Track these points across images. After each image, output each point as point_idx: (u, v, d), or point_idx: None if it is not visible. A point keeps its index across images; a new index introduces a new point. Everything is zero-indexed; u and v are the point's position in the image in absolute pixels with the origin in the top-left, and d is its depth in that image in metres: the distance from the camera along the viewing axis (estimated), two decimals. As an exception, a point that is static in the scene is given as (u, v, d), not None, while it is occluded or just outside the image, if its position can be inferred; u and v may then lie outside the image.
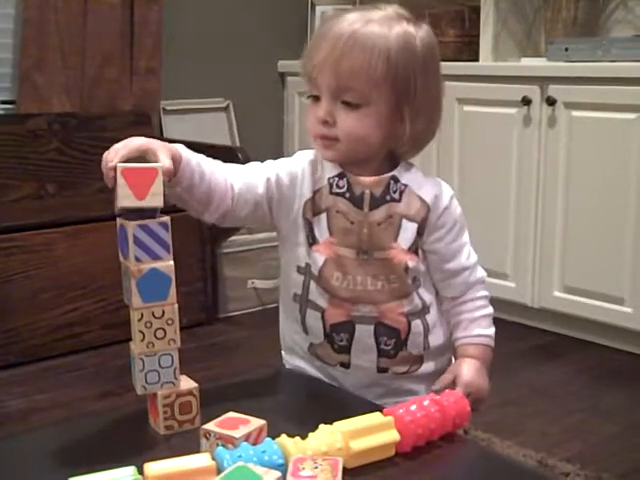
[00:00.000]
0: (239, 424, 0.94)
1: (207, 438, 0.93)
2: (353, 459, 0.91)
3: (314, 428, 0.94)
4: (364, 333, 1.20)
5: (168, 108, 3.44)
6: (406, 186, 1.21)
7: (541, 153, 2.74)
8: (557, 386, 2.36)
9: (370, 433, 0.93)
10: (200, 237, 2.98)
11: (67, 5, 3.07)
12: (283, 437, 0.90)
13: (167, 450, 0.94)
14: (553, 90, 2.67)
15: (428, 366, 1.25)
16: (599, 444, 1.98)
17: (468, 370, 1.20)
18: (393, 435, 0.94)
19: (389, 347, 1.21)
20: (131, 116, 3.29)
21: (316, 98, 1.18)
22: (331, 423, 0.94)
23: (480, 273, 1.27)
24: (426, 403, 1.00)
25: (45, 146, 3.06)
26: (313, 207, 1.20)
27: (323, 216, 1.20)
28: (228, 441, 0.91)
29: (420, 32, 1.19)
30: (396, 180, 1.21)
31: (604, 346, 2.66)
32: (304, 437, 0.92)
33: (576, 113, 2.62)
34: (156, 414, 1.02)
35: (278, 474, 0.83)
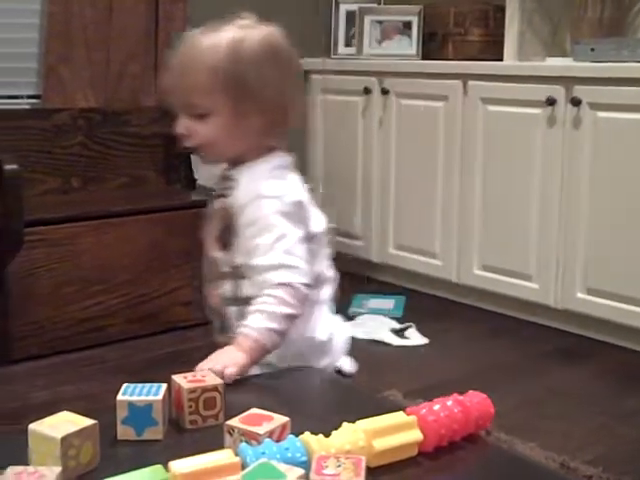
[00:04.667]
0: (263, 421, 0.94)
1: (231, 434, 0.94)
2: (376, 458, 0.91)
3: (337, 426, 0.94)
4: (209, 310, 1.42)
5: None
6: (236, 183, 1.34)
7: (565, 154, 2.72)
8: (580, 388, 2.35)
9: (393, 432, 0.93)
10: (223, 233, 2.99)
11: (92, 0, 3.09)
12: (306, 434, 0.91)
13: (191, 445, 0.94)
14: (578, 90, 2.65)
15: None
16: (622, 447, 1.97)
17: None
18: (416, 434, 0.94)
19: (218, 325, 1.39)
20: (155, 112, 3.30)
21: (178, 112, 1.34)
22: (354, 422, 0.95)
23: (278, 278, 1.26)
24: (449, 403, 1.00)
25: (70, 141, 3.08)
26: None
27: None
28: (252, 437, 0.91)
29: (252, 33, 1.32)
30: (230, 178, 1.35)
31: (627, 349, 2.64)
32: (327, 435, 0.92)
33: (601, 114, 2.60)
34: (181, 409, 1.03)
35: (301, 471, 0.83)
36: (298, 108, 1.39)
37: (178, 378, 1.05)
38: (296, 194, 1.34)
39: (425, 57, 3.41)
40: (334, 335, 1.43)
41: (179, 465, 0.84)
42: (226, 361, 1.18)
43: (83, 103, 3.15)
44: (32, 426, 0.91)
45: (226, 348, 1.23)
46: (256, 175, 1.33)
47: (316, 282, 1.33)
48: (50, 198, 2.95)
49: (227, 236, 1.34)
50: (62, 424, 0.91)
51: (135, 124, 3.24)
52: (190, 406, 1.02)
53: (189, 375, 1.07)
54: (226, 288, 1.35)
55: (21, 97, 3.16)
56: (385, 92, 3.30)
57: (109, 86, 3.21)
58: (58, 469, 0.82)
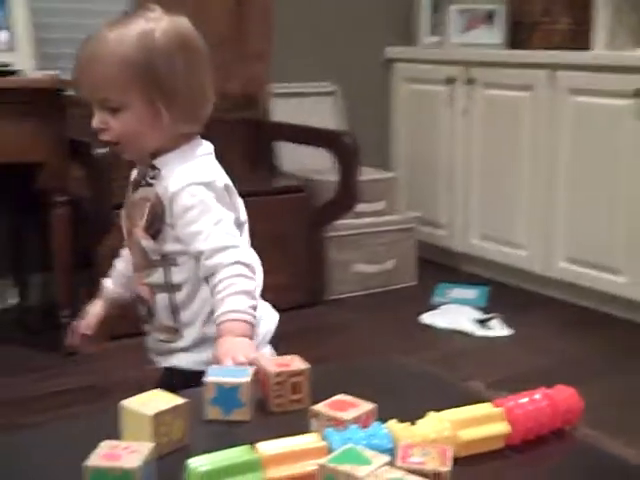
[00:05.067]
0: (349, 407, 0.94)
1: (316, 419, 0.94)
2: (462, 448, 0.91)
3: (421, 415, 0.94)
4: (135, 300, 1.43)
5: (276, 91, 3.47)
6: (159, 172, 1.33)
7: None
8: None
9: (480, 424, 0.93)
10: (307, 220, 3.01)
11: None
12: (392, 422, 0.91)
13: (277, 428, 0.95)
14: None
15: (188, 338, 1.35)
16: None
17: (215, 347, 1.20)
18: (503, 427, 0.93)
19: (144, 313, 1.40)
20: (239, 99, 3.33)
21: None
22: (438, 411, 0.94)
23: (229, 258, 1.26)
24: (537, 397, 0.98)
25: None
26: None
27: None
28: (337, 423, 0.92)
29: (161, 24, 1.29)
30: (153, 167, 1.33)
31: None
32: (412, 423, 0.92)
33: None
34: (267, 392, 1.04)
35: (386, 458, 0.83)
36: (210, 96, 1.36)
37: (265, 361, 1.07)
38: (225, 179, 1.35)
39: (511, 46, 3.36)
40: (259, 322, 1.39)
41: (266, 446, 0.85)
42: (243, 351, 1.14)
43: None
44: (124, 403, 0.94)
45: (226, 339, 1.19)
46: (183, 163, 1.32)
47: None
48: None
49: (155, 225, 1.32)
50: (154, 402, 0.93)
51: (221, 110, 3.26)
52: (276, 390, 1.03)
53: (275, 358, 1.08)
54: (156, 276, 1.35)
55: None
56: (470, 82, 3.27)
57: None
58: (151, 445, 0.84)
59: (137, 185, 1.37)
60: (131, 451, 0.82)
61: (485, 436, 0.92)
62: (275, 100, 3.47)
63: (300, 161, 3.33)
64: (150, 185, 1.33)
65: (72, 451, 0.87)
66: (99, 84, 1.28)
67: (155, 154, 1.33)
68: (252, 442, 0.87)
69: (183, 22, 1.34)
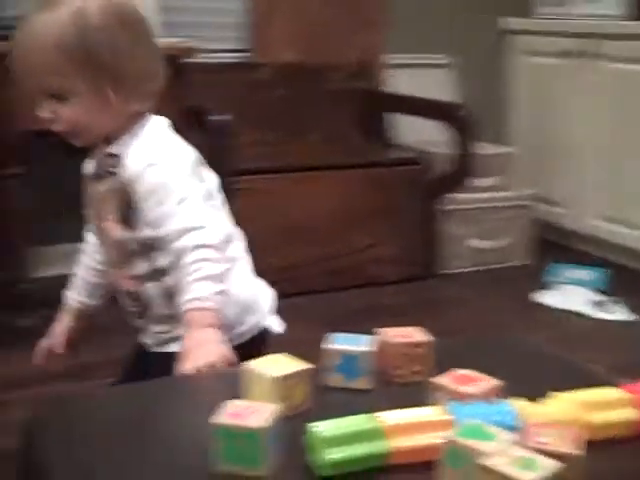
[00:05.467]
0: (473, 381, 0.93)
1: (439, 391, 0.94)
2: (590, 432, 0.88)
3: (543, 395, 0.92)
4: (122, 298, 1.35)
5: (391, 62, 3.43)
6: (119, 158, 1.26)
7: None
8: None
9: (609, 408, 0.90)
10: (420, 192, 2.98)
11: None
12: (518, 400, 0.89)
13: (398, 398, 0.95)
14: None
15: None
16: None
17: (184, 350, 1.15)
18: (634, 413, 0.90)
19: (135, 309, 1.33)
20: (354, 68, 3.32)
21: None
22: (561, 392, 0.92)
23: (194, 240, 1.20)
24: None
25: (272, 94, 3.16)
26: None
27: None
28: (461, 397, 0.91)
29: (94, 2, 1.21)
30: (110, 155, 1.27)
31: None
32: (537, 403, 0.90)
33: None
34: (389, 363, 1.03)
35: (511, 435, 0.82)
36: (158, 69, 1.30)
37: (387, 332, 1.06)
38: (186, 153, 1.29)
39: (637, 18, 3.22)
40: (258, 293, 1.39)
41: (390, 416, 0.85)
42: (210, 355, 1.12)
43: (286, 57, 3.22)
44: (250, 364, 0.95)
45: (193, 334, 1.16)
46: (140, 144, 1.26)
47: (225, 239, 1.28)
48: (251, 150, 3.04)
49: (127, 214, 1.27)
50: (279, 365, 0.94)
51: (335, 80, 3.27)
52: (398, 361, 1.03)
53: (397, 330, 1.07)
54: (140, 266, 1.29)
55: (228, 51, 3.27)
56: (592, 55, 3.15)
57: (311, 41, 3.25)
58: (273, 407, 0.85)
59: (98, 177, 1.30)
60: (256, 412, 0.83)
61: (615, 421, 0.89)
62: (390, 71, 3.44)
63: (414, 133, 3.30)
64: (113, 174, 1.27)
65: (198, 408, 0.89)
66: (38, 73, 1.21)
67: (109, 139, 1.27)
68: (372, 411, 0.87)
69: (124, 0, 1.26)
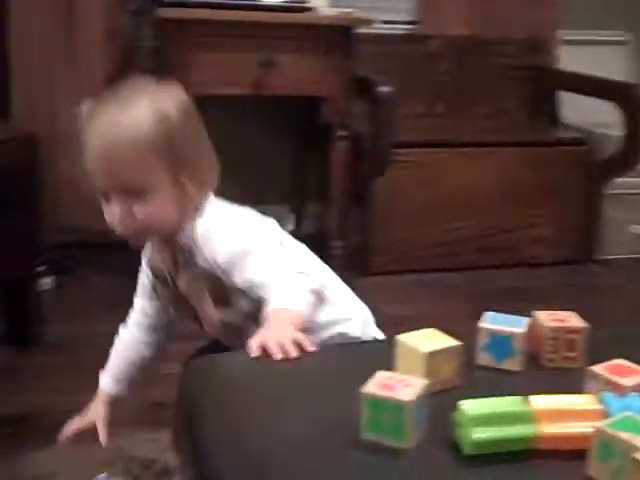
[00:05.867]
0: (629, 373, 0.91)
1: (593, 380, 0.92)
2: None
3: None
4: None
5: (565, 38, 3.32)
6: (192, 251, 1.25)
7: None
8: None
9: None
10: (586, 174, 2.89)
11: None
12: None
13: (548, 383, 0.94)
14: None
15: None
16: None
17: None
18: None
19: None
20: (525, 44, 3.24)
21: (106, 199, 1.22)
22: None
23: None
24: None
25: (440, 67, 3.13)
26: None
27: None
28: (616, 388, 0.89)
29: (166, 98, 1.22)
30: (181, 249, 1.26)
31: None
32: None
33: None
34: (541, 346, 1.02)
35: (667, 432, 0.79)
36: (215, 157, 1.29)
37: (541, 315, 1.05)
38: (248, 213, 1.30)
39: None
40: (364, 323, 1.38)
41: (540, 400, 0.84)
42: (280, 335, 1.06)
43: (456, 30, 3.18)
44: (400, 337, 0.96)
45: (269, 324, 1.11)
46: (207, 225, 1.25)
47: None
48: (416, 122, 3.04)
49: (222, 296, 1.26)
50: (429, 339, 0.95)
51: (505, 55, 3.21)
52: (551, 345, 1.01)
53: (552, 313, 1.05)
54: (251, 330, 1.19)
55: (398, 22, 3.26)
56: None
57: (483, 15, 3.20)
58: (424, 381, 0.86)
59: (178, 269, 1.29)
60: (405, 384, 0.84)
61: None
62: (563, 47, 3.33)
63: (583, 113, 3.18)
64: (192, 265, 1.26)
65: (350, 376, 0.91)
66: (122, 171, 1.19)
67: (171, 234, 1.27)
68: (519, 393, 0.86)
69: (176, 89, 1.26)
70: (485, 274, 2.71)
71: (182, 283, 1.29)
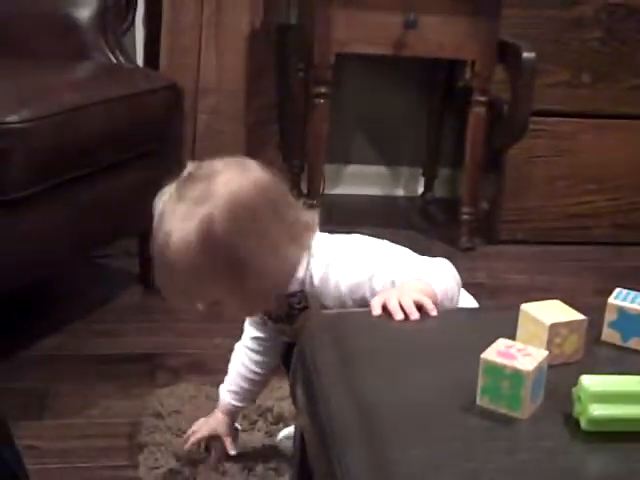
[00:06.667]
0: None
1: None
2: None
3: None
4: None
5: None
6: (303, 293, 1.22)
7: None
8: None
9: None
10: None
11: None
12: None
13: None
14: None
15: None
16: None
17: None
18: None
19: None
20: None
21: None
22: None
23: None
24: None
25: (588, 34, 3.01)
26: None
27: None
28: None
29: (217, 203, 1.13)
30: (292, 295, 1.23)
31: None
32: None
33: None
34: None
35: None
36: (307, 219, 1.22)
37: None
38: (351, 240, 1.25)
39: None
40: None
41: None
42: (404, 295, 1.04)
43: (609, -4, 3.04)
44: (524, 306, 0.95)
45: (395, 287, 1.10)
46: (321, 272, 1.20)
47: None
48: (558, 90, 2.94)
49: None
50: (553, 311, 0.94)
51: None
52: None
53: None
54: None
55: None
56: None
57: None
58: (545, 352, 0.85)
59: (290, 317, 1.27)
60: (526, 354, 0.84)
61: None
62: None
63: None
64: (306, 308, 1.24)
65: (468, 342, 0.91)
66: (186, 294, 1.20)
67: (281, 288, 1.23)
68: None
69: (235, 179, 1.16)
70: (618, 250, 2.63)
71: (301, 320, 1.24)
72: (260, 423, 1.60)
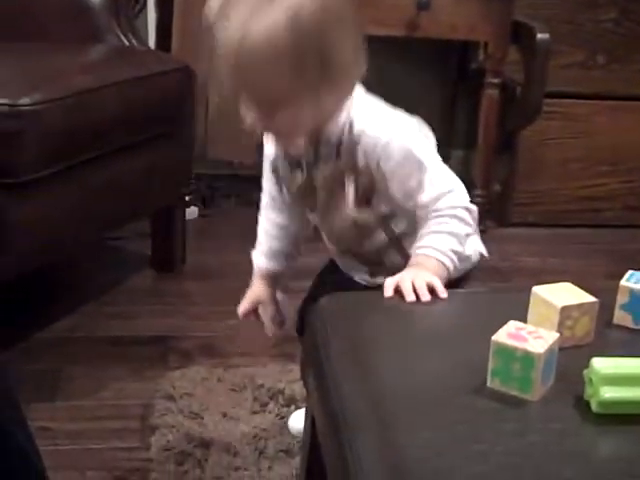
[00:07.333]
0: None
1: None
2: None
3: None
4: (349, 260, 1.32)
5: None
6: (340, 141, 1.17)
7: None
8: None
9: None
10: None
11: None
12: None
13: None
14: None
15: None
16: None
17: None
18: None
19: (369, 269, 1.30)
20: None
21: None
22: None
23: (452, 202, 1.16)
24: None
25: (603, 15, 2.98)
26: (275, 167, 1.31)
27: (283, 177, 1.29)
28: None
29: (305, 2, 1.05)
30: (327, 141, 1.18)
31: None
32: None
33: None
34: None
35: None
36: (362, 57, 1.14)
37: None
38: (405, 117, 1.19)
39: None
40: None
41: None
42: (417, 278, 1.05)
43: (624, -24, 3.01)
44: (535, 289, 0.95)
45: (412, 269, 1.10)
46: (364, 121, 1.16)
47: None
48: (572, 72, 2.91)
49: (364, 194, 1.20)
50: (564, 293, 0.93)
51: None
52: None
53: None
54: (378, 238, 1.25)
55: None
56: None
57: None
58: (556, 335, 0.85)
59: (318, 161, 1.21)
60: (537, 336, 0.83)
61: None
62: None
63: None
64: (338, 156, 1.18)
65: (479, 324, 0.91)
66: (252, 85, 1.10)
67: (323, 125, 1.17)
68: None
69: None
70: (630, 233, 2.62)
71: (319, 175, 1.21)
72: (271, 405, 1.60)
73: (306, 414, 1.13)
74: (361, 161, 1.16)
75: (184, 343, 1.85)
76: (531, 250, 2.46)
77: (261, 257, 1.37)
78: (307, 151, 1.21)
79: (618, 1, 2.96)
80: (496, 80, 2.53)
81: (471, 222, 1.18)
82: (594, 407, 0.80)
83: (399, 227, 1.25)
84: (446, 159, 3.11)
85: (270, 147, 1.29)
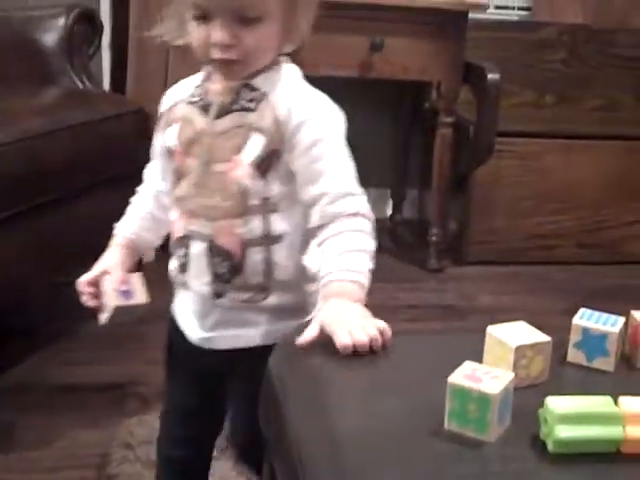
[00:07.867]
0: None
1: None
2: None
3: None
4: (198, 251, 1.12)
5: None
6: (264, 95, 1.09)
7: None
8: None
9: None
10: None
11: None
12: None
13: (638, 387, 0.92)
14: None
15: (275, 298, 1.12)
16: None
17: (325, 310, 1.01)
18: None
19: (223, 270, 1.11)
20: (644, 34, 3.14)
21: (203, 18, 1.05)
22: None
23: (352, 207, 1.07)
24: None
25: (551, 56, 3.06)
26: (167, 119, 1.17)
27: (175, 126, 1.14)
28: None
29: None
30: (252, 88, 1.09)
31: None
32: None
33: None
34: (636, 347, 1.00)
35: None
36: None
37: (638, 315, 1.02)
38: (338, 110, 1.13)
39: None
40: None
41: (630, 403, 0.82)
42: (364, 325, 0.99)
43: (571, 18, 3.10)
44: (490, 329, 0.95)
45: (341, 304, 1.02)
46: (296, 88, 1.11)
47: None
48: (523, 111, 2.98)
49: (267, 161, 1.08)
50: (519, 333, 0.94)
51: (621, 45, 3.11)
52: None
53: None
54: (253, 225, 1.09)
55: (512, 8, 3.20)
56: None
57: (599, 3, 3.11)
58: (511, 375, 0.85)
59: (225, 110, 1.10)
60: (492, 377, 0.84)
61: None
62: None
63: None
64: (250, 110, 1.08)
65: (435, 367, 0.91)
66: None
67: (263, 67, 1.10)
68: (610, 394, 0.84)
69: None
70: (584, 270, 2.65)
71: (226, 121, 1.09)
72: (230, 451, 1.59)
73: (265, 464, 1.12)
74: (278, 124, 1.07)
75: (141, 388, 1.83)
76: (487, 288, 2.49)
77: (121, 226, 1.25)
78: (228, 92, 1.10)
79: (566, 42, 3.04)
80: (449, 119, 2.57)
81: (373, 233, 1.10)
82: (550, 447, 0.80)
83: (278, 226, 1.10)
84: (401, 199, 3.15)
85: (173, 96, 1.19)
